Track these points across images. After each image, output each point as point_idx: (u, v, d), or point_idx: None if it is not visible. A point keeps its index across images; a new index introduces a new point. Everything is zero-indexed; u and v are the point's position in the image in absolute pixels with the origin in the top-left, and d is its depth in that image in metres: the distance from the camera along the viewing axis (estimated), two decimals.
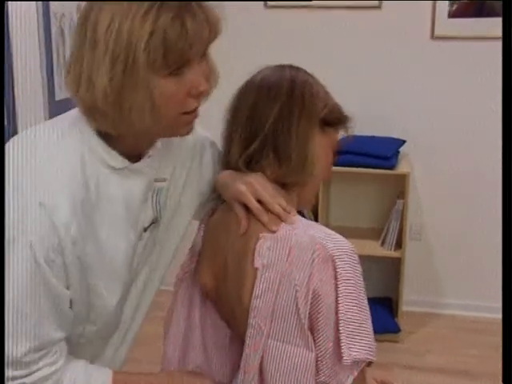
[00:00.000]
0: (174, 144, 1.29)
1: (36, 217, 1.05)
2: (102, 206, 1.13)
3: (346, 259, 1.16)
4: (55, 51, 2.65)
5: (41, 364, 1.10)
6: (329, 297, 1.15)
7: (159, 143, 1.23)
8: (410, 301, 3.61)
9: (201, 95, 1.11)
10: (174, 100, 1.07)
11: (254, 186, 1.24)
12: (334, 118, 1.29)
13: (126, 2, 1.02)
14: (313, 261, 1.15)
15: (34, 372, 1.10)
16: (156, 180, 1.24)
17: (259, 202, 1.23)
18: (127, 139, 1.14)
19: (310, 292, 1.15)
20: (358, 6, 3.40)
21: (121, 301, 1.22)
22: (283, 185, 1.28)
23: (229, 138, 1.30)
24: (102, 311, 1.18)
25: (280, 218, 1.23)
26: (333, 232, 1.21)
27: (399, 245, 3.38)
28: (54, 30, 2.63)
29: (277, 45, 3.50)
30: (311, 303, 1.15)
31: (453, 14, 3.32)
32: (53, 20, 2.62)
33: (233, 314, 1.30)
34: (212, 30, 1.09)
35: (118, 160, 1.14)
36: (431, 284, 3.71)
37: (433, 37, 3.38)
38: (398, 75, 3.40)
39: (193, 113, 1.13)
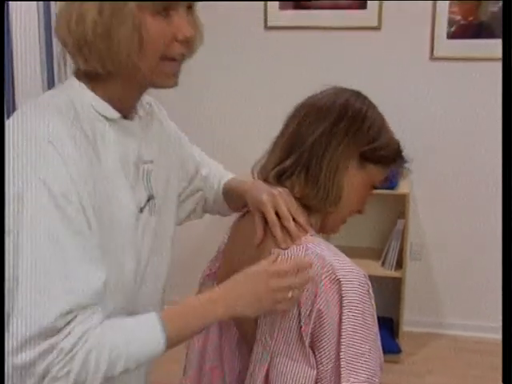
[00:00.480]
0: (154, 128, 1.32)
1: (46, 153, 1.04)
2: (102, 153, 1.13)
3: (354, 286, 1.14)
4: (56, 65, 2.65)
5: (74, 323, 1.02)
6: (333, 319, 1.14)
7: (141, 111, 1.26)
8: (411, 321, 3.60)
9: (186, 41, 1.15)
10: (160, 39, 1.12)
11: (276, 199, 1.25)
12: (377, 156, 1.27)
13: None
14: (320, 281, 1.15)
15: (69, 333, 1.02)
16: (144, 162, 1.25)
17: (277, 215, 1.24)
18: (114, 88, 1.17)
19: (314, 311, 1.14)
20: (358, 26, 3.43)
21: (136, 276, 1.20)
22: (307, 206, 1.28)
23: (272, 147, 1.31)
24: (118, 278, 1.15)
25: (290, 236, 1.22)
26: (347, 258, 1.20)
27: (400, 265, 3.37)
28: (55, 50, 2.63)
29: (276, 66, 3.53)
30: (314, 322, 1.15)
31: (452, 36, 3.34)
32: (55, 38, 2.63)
33: (240, 323, 1.31)
34: None
35: (109, 110, 1.17)
36: (432, 304, 3.70)
37: (432, 57, 3.40)
38: (397, 95, 3.41)
39: (176, 62, 1.16)
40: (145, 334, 1.08)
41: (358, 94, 1.32)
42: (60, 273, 1.02)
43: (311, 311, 1.15)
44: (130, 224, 1.18)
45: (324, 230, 1.33)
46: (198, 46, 1.22)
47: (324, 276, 1.15)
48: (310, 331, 1.15)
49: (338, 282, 1.14)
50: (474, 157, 3.47)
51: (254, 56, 3.56)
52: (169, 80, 1.17)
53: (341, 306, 1.13)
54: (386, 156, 1.28)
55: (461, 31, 3.33)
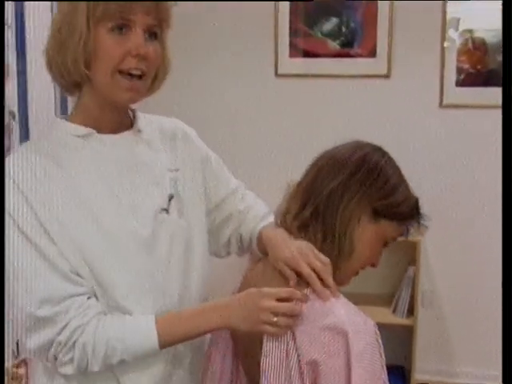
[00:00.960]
0: (178, 142, 1.40)
1: (9, 188, 1.18)
2: (72, 169, 1.23)
3: (361, 336, 1.14)
4: None
5: (67, 317, 1.17)
6: (337, 369, 1.12)
7: (142, 122, 1.34)
8: (423, 369, 3.55)
9: (142, 58, 1.20)
10: (112, 53, 1.19)
11: (306, 254, 1.24)
12: (390, 212, 1.26)
13: None
14: (323, 330, 1.14)
15: (64, 328, 1.17)
16: (169, 170, 1.34)
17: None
18: (86, 104, 1.27)
19: (311, 360, 1.14)
20: (367, 74, 3.46)
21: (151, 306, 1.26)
22: None
23: (291, 194, 1.31)
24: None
25: (330, 290, 1.21)
26: (355, 308, 1.19)
27: (411, 312, 3.34)
28: None
29: (287, 113, 3.56)
30: (312, 371, 1.14)
31: (461, 83, 3.37)
32: None
33: (248, 370, 1.31)
34: (158, 8, 1.21)
35: (79, 128, 1.26)
36: (444, 352, 3.64)
37: (441, 105, 3.42)
38: (406, 143, 3.42)
39: (130, 76, 1.21)
40: (140, 334, 1.21)
41: (377, 149, 1.31)
42: (30, 274, 1.17)
43: (310, 358, 1.14)
44: (115, 227, 1.24)
45: (334, 282, 1.32)
46: (163, 73, 1.30)
47: (328, 325, 1.14)
48: (308, 379, 1.14)
49: (345, 333, 1.13)
50: (484, 204, 3.46)
51: (264, 103, 3.59)
52: (122, 94, 1.23)
53: (348, 358, 1.12)
54: (399, 213, 1.27)
55: (469, 79, 3.36)
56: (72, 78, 1.21)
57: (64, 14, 1.20)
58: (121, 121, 1.31)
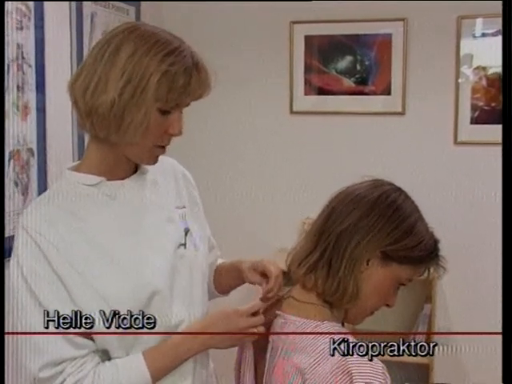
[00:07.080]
0: (181, 182, 1.48)
1: (21, 238, 1.24)
2: (87, 216, 1.29)
3: (367, 377, 1.13)
4: None
5: (64, 375, 1.22)
6: None
7: (149, 167, 1.38)
8: None
9: (172, 136, 1.29)
10: (157, 131, 1.25)
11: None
12: (401, 257, 1.24)
13: (150, 42, 1.22)
14: (332, 372, 1.13)
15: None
16: (177, 207, 1.41)
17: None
18: (103, 159, 1.31)
19: None
20: (382, 111, 3.48)
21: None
22: (329, 301, 1.26)
23: (306, 232, 1.32)
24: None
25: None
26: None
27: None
28: None
29: (301, 150, 3.57)
30: None
31: (475, 121, 3.38)
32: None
33: None
34: (205, 90, 1.30)
35: (89, 178, 1.31)
36: None
37: (456, 142, 3.43)
38: (421, 180, 3.41)
39: (162, 148, 1.31)
40: (132, 373, 1.27)
41: (395, 189, 1.29)
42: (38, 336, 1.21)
43: None
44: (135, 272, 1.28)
45: (346, 321, 1.31)
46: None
47: (336, 366, 1.13)
48: None
49: (350, 374, 1.12)
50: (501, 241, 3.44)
51: (279, 140, 3.61)
52: (151, 159, 1.33)
53: None
54: (412, 257, 1.25)
55: (484, 116, 3.37)
56: (119, 139, 1.26)
57: (128, 86, 1.21)
58: (129, 168, 1.37)
